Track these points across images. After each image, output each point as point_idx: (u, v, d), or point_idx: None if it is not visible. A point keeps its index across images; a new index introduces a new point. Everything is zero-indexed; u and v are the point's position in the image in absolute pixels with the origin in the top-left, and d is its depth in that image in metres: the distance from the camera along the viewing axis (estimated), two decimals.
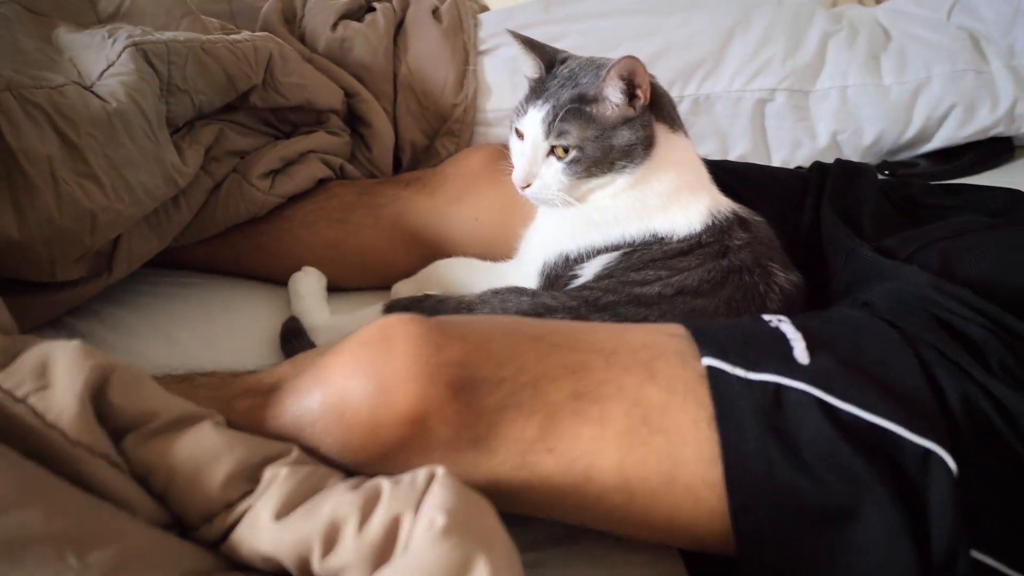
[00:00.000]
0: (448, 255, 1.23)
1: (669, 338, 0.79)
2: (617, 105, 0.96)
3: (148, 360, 1.10)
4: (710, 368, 0.75)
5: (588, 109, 0.96)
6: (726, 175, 1.15)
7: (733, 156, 1.63)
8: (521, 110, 1.01)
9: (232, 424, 0.74)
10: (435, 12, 1.54)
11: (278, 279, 1.27)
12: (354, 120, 1.44)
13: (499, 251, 1.17)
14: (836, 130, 1.62)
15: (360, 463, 0.71)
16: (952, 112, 1.62)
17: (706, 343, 0.77)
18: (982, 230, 0.94)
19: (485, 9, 1.73)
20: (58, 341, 0.70)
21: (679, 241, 0.98)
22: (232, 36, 1.26)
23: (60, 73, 1.10)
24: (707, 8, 1.62)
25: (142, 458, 0.68)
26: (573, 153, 0.96)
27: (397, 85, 1.47)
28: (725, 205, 1.02)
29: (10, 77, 1.01)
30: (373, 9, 1.53)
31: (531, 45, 1.04)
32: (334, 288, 1.27)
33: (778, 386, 0.73)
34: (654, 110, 1.00)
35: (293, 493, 0.66)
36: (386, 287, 1.26)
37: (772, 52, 1.59)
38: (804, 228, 1.11)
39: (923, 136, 1.65)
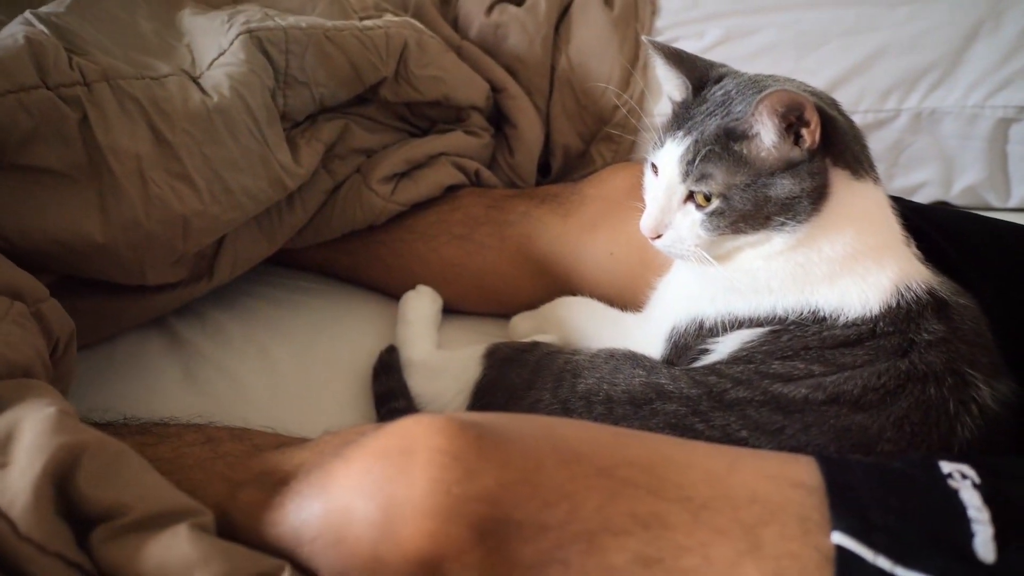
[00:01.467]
0: (576, 290, 1.06)
1: (791, 490, 0.58)
2: (773, 146, 0.74)
3: (232, 379, 1.02)
4: (841, 550, 0.53)
5: (738, 148, 0.75)
6: (932, 228, 0.90)
7: (959, 187, 1.32)
8: (658, 141, 0.81)
9: (231, 522, 0.62)
10: None
11: (396, 293, 1.15)
12: (500, 118, 1.28)
13: (631, 296, 0.99)
14: None
15: None
16: None
17: (844, 507, 0.55)
18: None
19: None
20: (36, 405, 0.61)
21: (845, 325, 0.75)
22: (365, 22, 1.13)
23: (172, 60, 1.02)
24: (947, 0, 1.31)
25: (108, 557, 0.57)
26: (716, 203, 0.76)
27: (554, 80, 1.30)
28: (920, 279, 0.77)
29: (109, 65, 0.94)
30: None
31: (675, 58, 0.83)
32: (452, 311, 1.14)
33: None
34: (832, 151, 0.77)
35: None
36: (507, 315, 1.11)
37: None
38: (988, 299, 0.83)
39: None
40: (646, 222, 0.81)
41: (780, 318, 0.78)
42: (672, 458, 0.61)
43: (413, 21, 1.20)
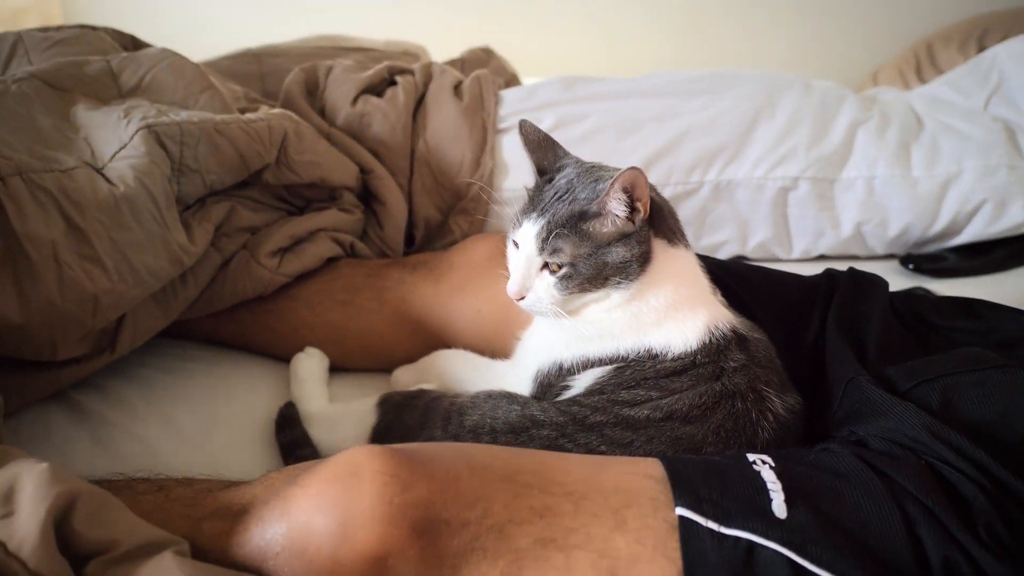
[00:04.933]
0: (449, 343, 1.23)
1: (644, 480, 0.77)
2: (618, 219, 0.94)
3: (143, 443, 1.11)
4: (682, 519, 0.73)
5: (584, 226, 0.94)
6: (730, 279, 1.13)
7: (753, 243, 1.60)
8: (517, 221, 0.99)
9: (199, 548, 0.74)
10: (457, 88, 1.54)
11: (283, 356, 1.27)
12: (368, 196, 1.45)
13: (499, 346, 1.16)
14: (861, 220, 1.58)
15: None
16: (983, 208, 1.58)
17: (681, 489, 0.75)
18: (989, 369, 0.91)
19: (510, 84, 1.73)
20: (28, 462, 0.70)
21: (673, 360, 0.96)
22: (247, 115, 1.27)
23: (74, 153, 1.12)
24: (732, 92, 1.60)
25: None
26: (565, 270, 0.95)
27: (414, 161, 1.47)
28: (725, 321, 0.99)
29: (20, 161, 1.03)
30: (395, 83, 1.54)
31: (535, 144, 1.02)
32: (337, 368, 1.28)
33: (751, 544, 0.71)
34: (653, 223, 0.98)
35: None
36: (388, 369, 1.26)
37: (797, 139, 1.56)
38: (809, 343, 1.08)
39: (951, 230, 1.60)
40: (512, 287, 0.99)
41: (622, 357, 0.98)
42: (554, 465, 0.79)
43: (289, 113, 1.35)
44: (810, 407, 0.99)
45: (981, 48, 2.19)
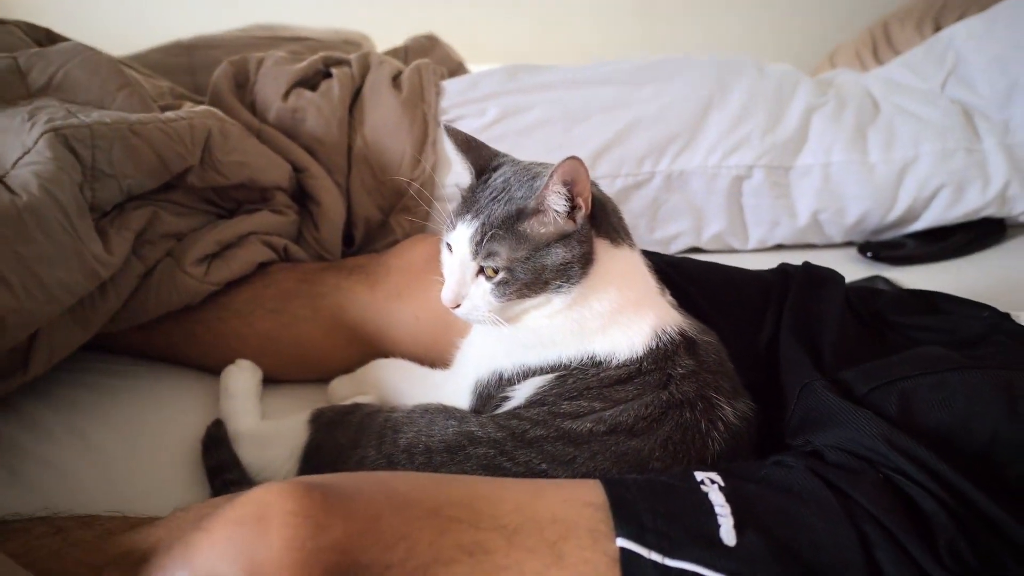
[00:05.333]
0: (387, 352, 1.16)
1: (583, 509, 0.71)
2: (558, 216, 0.88)
3: (58, 470, 1.03)
4: (624, 551, 0.67)
5: (521, 227, 0.88)
6: (680, 277, 1.08)
7: (707, 235, 1.55)
8: (450, 224, 0.93)
9: None
10: (396, 79, 1.47)
11: (214, 369, 1.20)
12: (303, 196, 1.37)
13: (438, 354, 1.10)
14: (817, 208, 1.54)
15: None
16: (940, 192, 1.54)
17: (623, 518, 0.70)
18: (948, 371, 0.86)
19: (456, 72, 1.66)
20: None
21: (618, 367, 0.90)
22: (167, 114, 1.19)
23: None
24: (683, 79, 1.54)
25: None
26: (502, 275, 0.89)
27: (351, 158, 1.40)
28: (673, 324, 0.94)
29: None
30: (330, 75, 1.47)
31: (464, 145, 0.96)
32: (272, 380, 1.21)
33: None
34: (594, 221, 0.92)
35: None
36: (326, 380, 1.19)
37: (751, 126, 1.51)
38: (763, 345, 1.03)
39: (909, 216, 1.57)
40: (446, 295, 0.93)
41: (565, 365, 0.92)
42: (487, 495, 0.73)
43: (214, 110, 1.27)
44: (764, 413, 0.94)
45: (937, 27, 2.16)
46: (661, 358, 0.91)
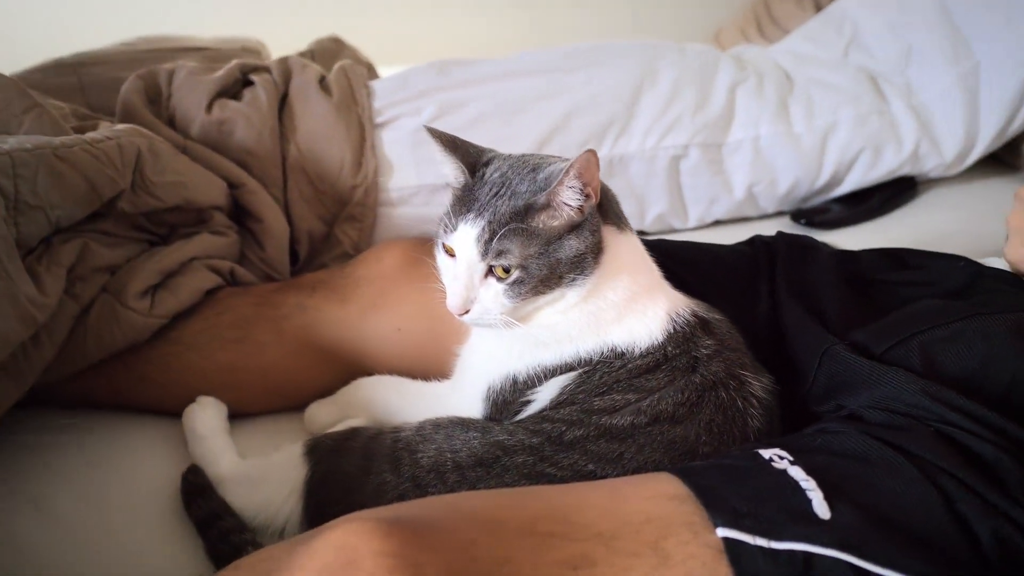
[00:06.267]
0: (368, 370, 1.09)
1: (669, 503, 0.68)
2: (571, 209, 0.84)
3: (12, 544, 0.91)
4: (727, 541, 0.64)
5: (531, 222, 0.84)
6: (666, 259, 1.06)
7: (650, 217, 1.55)
8: (448, 225, 0.87)
9: None
10: (322, 82, 1.39)
11: (172, 411, 1.09)
12: (241, 214, 1.27)
13: (429, 366, 1.04)
14: (752, 182, 1.57)
15: None
16: (861, 156, 1.60)
17: (714, 507, 0.66)
18: (959, 320, 0.88)
19: (371, 74, 1.58)
20: None
21: (642, 355, 0.87)
22: (91, 135, 1.07)
23: None
24: (610, 63, 1.53)
25: None
26: (516, 274, 0.84)
27: (287, 169, 1.31)
28: (683, 306, 0.92)
29: None
30: (250, 83, 1.37)
31: (451, 145, 0.90)
32: (237, 415, 1.11)
33: (807, 555, 0.63)
34: (600, 208, 0.89)
35: None
36: (299, 408, 1.11)
37: (682, 106, 1.52)
38: (762, 317, 1.03)
39: (834, 181, 1.62)
40: (453, 301, 0.86)
41: (586, 360, 0.88)
42: (571, 504, 0.68)
43: (139, 128, 1.15)
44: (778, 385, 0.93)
45: (818, 3, 2.24)
46: (683, 341, 0.88)
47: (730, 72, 1.60)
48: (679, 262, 1.06)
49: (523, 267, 0.84)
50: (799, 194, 1.61)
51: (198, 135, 1.27)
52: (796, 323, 0.96)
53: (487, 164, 0.90)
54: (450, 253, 0.88)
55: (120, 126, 1.13)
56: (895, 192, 1.68)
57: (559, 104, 1.45)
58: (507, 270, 0.84)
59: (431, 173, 1.35)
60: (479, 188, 0.88)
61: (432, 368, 1.03)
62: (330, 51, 1.68)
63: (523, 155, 0.92)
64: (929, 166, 1.64)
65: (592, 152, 0.82)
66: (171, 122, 1.29)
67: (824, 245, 1.11)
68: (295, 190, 1.31)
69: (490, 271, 0.85)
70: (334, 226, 1.34)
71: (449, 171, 0.91)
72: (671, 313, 0.90)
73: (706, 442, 0.82)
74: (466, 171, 0.89)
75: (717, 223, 1.62)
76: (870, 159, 1.60)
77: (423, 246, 1.13)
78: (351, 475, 0.89)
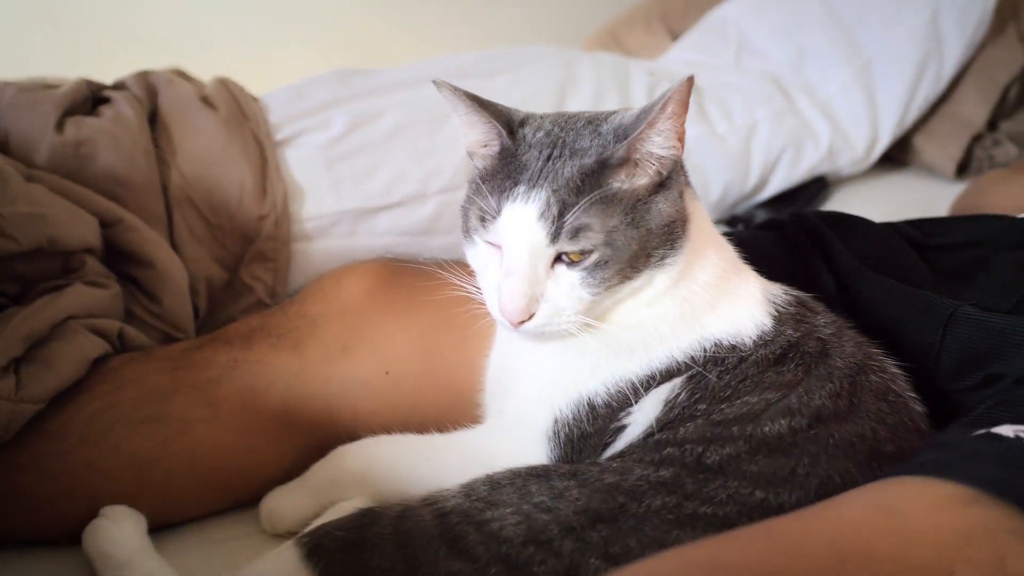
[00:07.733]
0: (345, 434, 0.79)
1: (966, 511, 0.48)
2: (661, 163, 0.64)
3: None
4: None
5: (610, 182, 0.63)
6: None
7: None
8: (486, 211, 0.65)
9: None
10: (203, 99, 1.10)
11: (62, 536, 0.76)
12: (119, 260, 0.95)
13: (430, 414, 0.79)
14: None
15: None
16: (784, 155, 1.53)
17: None
18: None
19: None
20: None
21: (759, 345, 0.68)
22: None
23: None
24: (528, 68, 1.37)
25: None
26: (596, 254, 0.62)
27: (169, 201, 1.01)
28: (770, 284, 0.74)
29: None
30: (105, 100, 1.06)
31: (478, 102, 0.68)
32: (162, 525, 0.78)
33: None
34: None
35: None
36: (251, 504, 0.80)
37: (611, 108, 1.37)
38: (832, 293, 0.85)
39: (761, 183, 1.53)
40: (513, 304, 0.63)
41: (684, 363, 0.67)
42: (856, 541, 0.46)
43: None
44: None
45: (668, 27, 2.21)
46: (797, 322, 0.70)
47: (642, 75, 1.49)
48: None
49: (608, 244, 0.62)
50: (730, 198, 1.51)
51: (47, 161, 0.94)
52: (894, 294, 0.80)
53: (523, 124, 0.69)
54: (496, 248, 0.65)
55: None
56: (811, 194, 1.62)
57: None
58: (582, 253, 0.62)
59: (355, 195, 1.10)
60: (524, 153, 0.66)
61: (430, 419, 0.77)
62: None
63: (568, 113, 0.71)
64: (843, 161, 1.60)
65: (692, 79, 0.63)
66: (3, 147, 0.95)
67: (860, 218, 0.97)
68: (183, 227, 1.00)
69: (557, 259, 0.63)
70: (239, 269, 1.04)
71: (476, 137, 0.70)
72: (765, 292, 0.72)
73: (886, 438, 0.63)
74: (503, 132, 0.67)
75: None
76: (792, 157, 1.53)
77: (394, 267, 0.88)
78: (387, 571, 0.62)
